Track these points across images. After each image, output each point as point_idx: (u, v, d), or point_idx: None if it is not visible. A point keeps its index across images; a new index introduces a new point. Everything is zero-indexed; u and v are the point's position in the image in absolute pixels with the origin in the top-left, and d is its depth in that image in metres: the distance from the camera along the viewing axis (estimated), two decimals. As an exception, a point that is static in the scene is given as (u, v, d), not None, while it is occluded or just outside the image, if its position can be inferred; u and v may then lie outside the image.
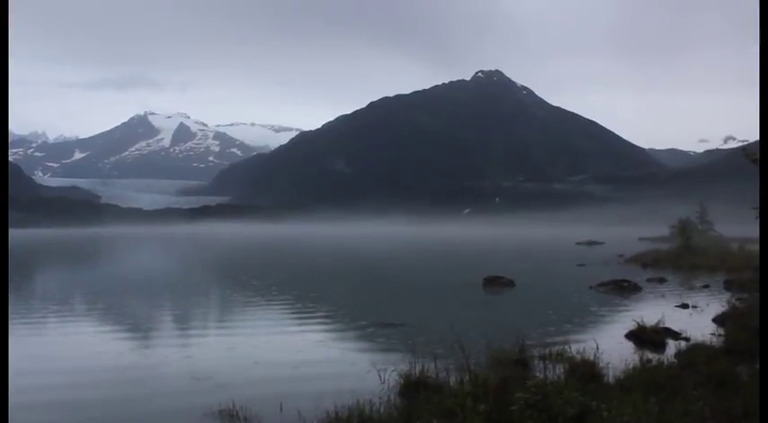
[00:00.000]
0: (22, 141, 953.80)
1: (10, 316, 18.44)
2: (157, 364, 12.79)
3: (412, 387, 9.67)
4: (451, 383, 9.18)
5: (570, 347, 12.05)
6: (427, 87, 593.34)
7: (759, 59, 8.34)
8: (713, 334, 14.45)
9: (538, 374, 9.72)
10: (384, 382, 9.48)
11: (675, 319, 16.50)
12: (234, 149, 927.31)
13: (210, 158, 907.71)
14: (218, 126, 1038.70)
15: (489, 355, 11.26)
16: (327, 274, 39.94)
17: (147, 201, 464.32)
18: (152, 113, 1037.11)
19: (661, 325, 14.82)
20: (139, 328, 17.33)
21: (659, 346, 13.70)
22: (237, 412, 8.91)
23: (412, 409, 7.97)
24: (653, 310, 17.53)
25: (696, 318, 18.10)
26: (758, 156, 8.53)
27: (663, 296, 23.94)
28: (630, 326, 15.21)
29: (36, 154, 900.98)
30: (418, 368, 10.12)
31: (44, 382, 11.30)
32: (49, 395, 10.46)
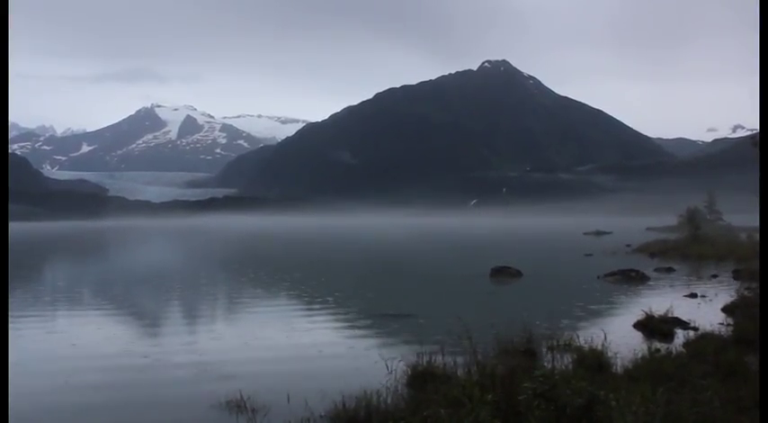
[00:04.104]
0: (30, 135, 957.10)
1: (24, 307, 18.55)
2: (165, 354, 12.83)
3: (419, 377, 9.67)
4: (459, 374, 9.18)
5: (578, 337, 12.02)
6: (434, 78, 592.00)
7: (759, 52, 8.26)
8: (722, 324, 14.37)
9: (546, 364, 9.70)
10: (391, 373, 9.47)
11: (684, 309, 16.44)
12: (241, 141, 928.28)
13: (217, 150, 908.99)
14: (224, 118, 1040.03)
15: (497, 345, 11.23)
16: (334, 265, 39.98)
17: (154, 193, 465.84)
18: (159, 106, 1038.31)
19: (669, 315, 14.77)
20: (148, 320, 17.41)
21: (667, 336, 13.65)
22: (245, 403, 8.91)
23: (419, 400, 7.96)
24: (661, 300, 17.47)
25: (705, 307, 18.03)
26: (759, 152, 8.44)
27: (671, 286, 23.86)
28: (638, 315, 15.17)
29: (44, 147, 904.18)
30: (425, 358, 10.11)
31: (53, 372, 11.37)
32: (58, 383, 10.51)
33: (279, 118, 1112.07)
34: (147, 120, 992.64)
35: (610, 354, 10.64)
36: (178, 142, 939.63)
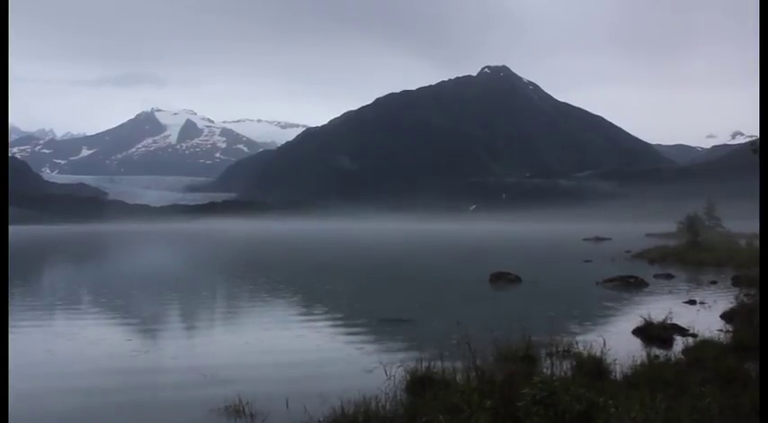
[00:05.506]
0: (30, 138, 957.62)
1: (24, 311, 18.52)
2: (164, 359, 12.81)
3: (418, 383, 9.64)
4: (458, 379, 9.16)
5: (577, 343, 12.01)
6: (433, 83, 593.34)
7: (759, 55, 8.27)
8: (721, 330, 14.36)
9: (545, 370, 9.68)
10: (390, 378, 9.46)
11: (683, 316, 16.41)
12: (240, 146, 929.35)
13: (217, 155, 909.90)
14: (224, 122, 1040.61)
15: (496, 350, 11.22)
16: (333, 270, 39.94)
17: (153, 197, 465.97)
18: (158, 110, 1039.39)
19: (668, 321, 14.74)
20: (147, 324, 17.37)
21: (666, 343, 13.63)
22: (243, 408, 8.91)
23: (418, 405, 7.95)
24: (660, 306, 17.44)
25: (704, 314, 18.02)
26: (759, 159, 8.44)
27: (670, 292, 23.84)
28: (637, 322, 15.14)
29: (44, 151, 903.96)
30: (424, 364, 10.09)
31: (53, 373, 11.37)
32: (54, 390, 10.49)
33: (279, 122, 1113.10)
34: (146, 124, 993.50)
35: (609, 360, 10.62)
36: (178, 146, 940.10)
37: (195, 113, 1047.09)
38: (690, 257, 39.19)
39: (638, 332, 14.72)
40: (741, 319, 15.10)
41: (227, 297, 25.36)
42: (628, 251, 47.86)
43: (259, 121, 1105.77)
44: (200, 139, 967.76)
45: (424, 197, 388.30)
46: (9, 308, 18.01)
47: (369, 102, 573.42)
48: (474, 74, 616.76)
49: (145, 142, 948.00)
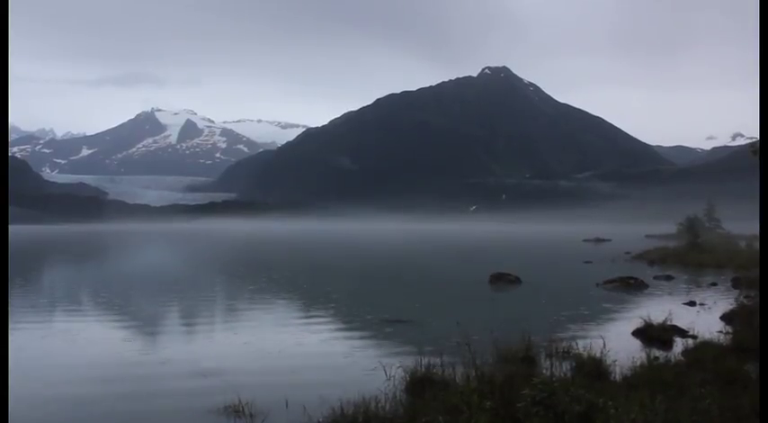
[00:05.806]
0: (30, 138, 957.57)
1: (25, 311, 18.52)
2: (163, 360, 12.80)
3: (418, 383, 9.64)
4: (457, 380, 9.15)
5: (577, 344, 12.00)
6: (434, 84, 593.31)
7: (759, 56, 8.27)
8: (721, 332, 14.35)
9: (544, 371, 9.67)
10: (390, 379, 9.45)
11: (683, 317, 16.41)
12: (241, 146, 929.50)
13: (217, 155, 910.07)
14: (224, 122, 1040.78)
15: (495, 351, 11.21)
16: (333, 270, 39.95)
17: (153, 197, 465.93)
18: (159, 110, 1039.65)
19: (668, 322, 14.74)
20: (146, 325, 17.36)
21: (666, 344, 13.62)
22: (243, 408, 8.90)
23: (418, 406, 7.95)
24: (660, 308, 17.45)
25: (704, 315, 18.02)
26: (759, 160, 8.43)
27: (670, 293, 23.84)
28: (637, 323, 15.14)
29: (44, 150, 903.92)
30: (424, 364, 10.09)
31: (53, 377, 11.35)
32: (57, 389, 10.48)
33: (279, 123, 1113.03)
34: (147, 124, 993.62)
35: (609, 361, 10.61)
36: (178, 146, 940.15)
37: (195, 113, 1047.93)
38: (690, 259, 39.19)
39: (637, 333, 14.72)
40: (741, 320, 15.09)
41: (226, 297, 25.34)
42: (628, 252, 47.87)
43: (259, 121, 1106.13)
44: (201, 139, 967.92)
45: (424, 197, 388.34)
46: (9, 308, 18.01)
47: (369, 102, 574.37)
48: (474, 75, 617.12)
49: (145, 142, 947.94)
